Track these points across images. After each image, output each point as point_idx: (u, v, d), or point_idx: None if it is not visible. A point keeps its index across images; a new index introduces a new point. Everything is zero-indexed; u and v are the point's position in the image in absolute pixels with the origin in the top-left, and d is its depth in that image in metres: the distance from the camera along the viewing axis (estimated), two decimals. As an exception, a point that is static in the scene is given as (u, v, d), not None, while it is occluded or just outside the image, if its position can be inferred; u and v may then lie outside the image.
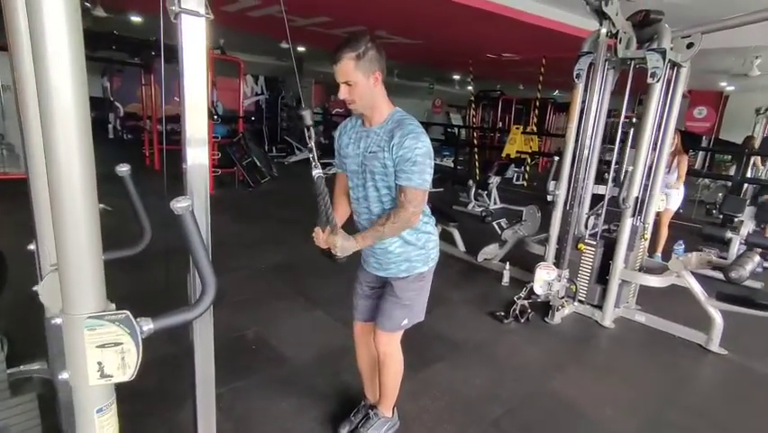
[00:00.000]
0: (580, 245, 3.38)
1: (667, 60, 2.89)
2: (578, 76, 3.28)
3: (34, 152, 1.07)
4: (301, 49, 11.70)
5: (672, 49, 2.97)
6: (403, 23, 6.31)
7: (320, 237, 1.63)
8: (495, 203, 7.00)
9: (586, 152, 3.20)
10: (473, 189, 6.92)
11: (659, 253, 4.62)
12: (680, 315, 3.26)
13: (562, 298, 3.30)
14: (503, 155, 8.79)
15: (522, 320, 3.21)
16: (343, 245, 1.58)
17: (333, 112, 15.98)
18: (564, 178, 3.38)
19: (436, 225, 1.84)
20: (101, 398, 0.93)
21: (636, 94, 3.21)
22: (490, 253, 4.24)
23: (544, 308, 3.31)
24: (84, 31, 0.75)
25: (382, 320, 1.77)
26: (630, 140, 3.31)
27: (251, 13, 6.08)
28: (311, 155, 1.48)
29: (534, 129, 9.63)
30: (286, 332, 2.87)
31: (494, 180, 6.91)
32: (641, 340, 3.17)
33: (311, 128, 1.47)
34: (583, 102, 3.26)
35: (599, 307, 3.35)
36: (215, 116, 6.61)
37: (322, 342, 2.78)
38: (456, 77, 14.52)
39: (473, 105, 10.84)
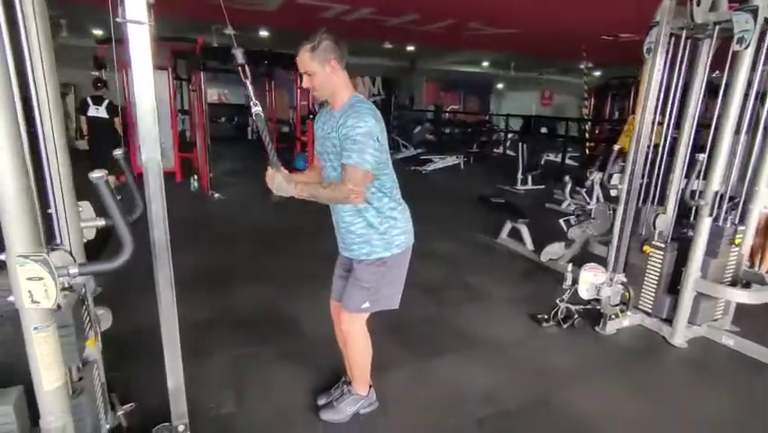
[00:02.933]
0: (646, 248, 2.91)
1: (761, 20, 2.33)
2: (648, 50, 2.84)
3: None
4: (410, 48, 12.01)
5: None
6: (487, 13, 6.08)
7: (268, 176, 1.68)
8: (597, 201, 6.26)
9: (645, 140, 2.76)
10: (569, 186, 6.31)
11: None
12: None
13: (616, 305, 2.89)
14: (615, 148, 7.76)
15: (565, 326, 2.91)
16: (280, 184, 1.64)
17: (449, 109, 15.98)
18: (631, 170, 2.95)
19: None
20: (36, 319, 1.22)
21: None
22: (555, 252, 3.88)
23: (600, 316, 2.94)
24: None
25: (345, 299, 1.86)
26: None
27: (345, 17, 6.51)
28: (247, 92, 1.57)
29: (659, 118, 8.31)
30: (312, 310, 3.03)
31: (595, 176, 6.18)
32: (719, 366, 2.62)
33: (245, 67, 1.53)
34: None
35: (669, 321, 2.85)
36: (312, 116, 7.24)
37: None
38: (581, 66, 13.21)
39: (586, 95, 9.80)
